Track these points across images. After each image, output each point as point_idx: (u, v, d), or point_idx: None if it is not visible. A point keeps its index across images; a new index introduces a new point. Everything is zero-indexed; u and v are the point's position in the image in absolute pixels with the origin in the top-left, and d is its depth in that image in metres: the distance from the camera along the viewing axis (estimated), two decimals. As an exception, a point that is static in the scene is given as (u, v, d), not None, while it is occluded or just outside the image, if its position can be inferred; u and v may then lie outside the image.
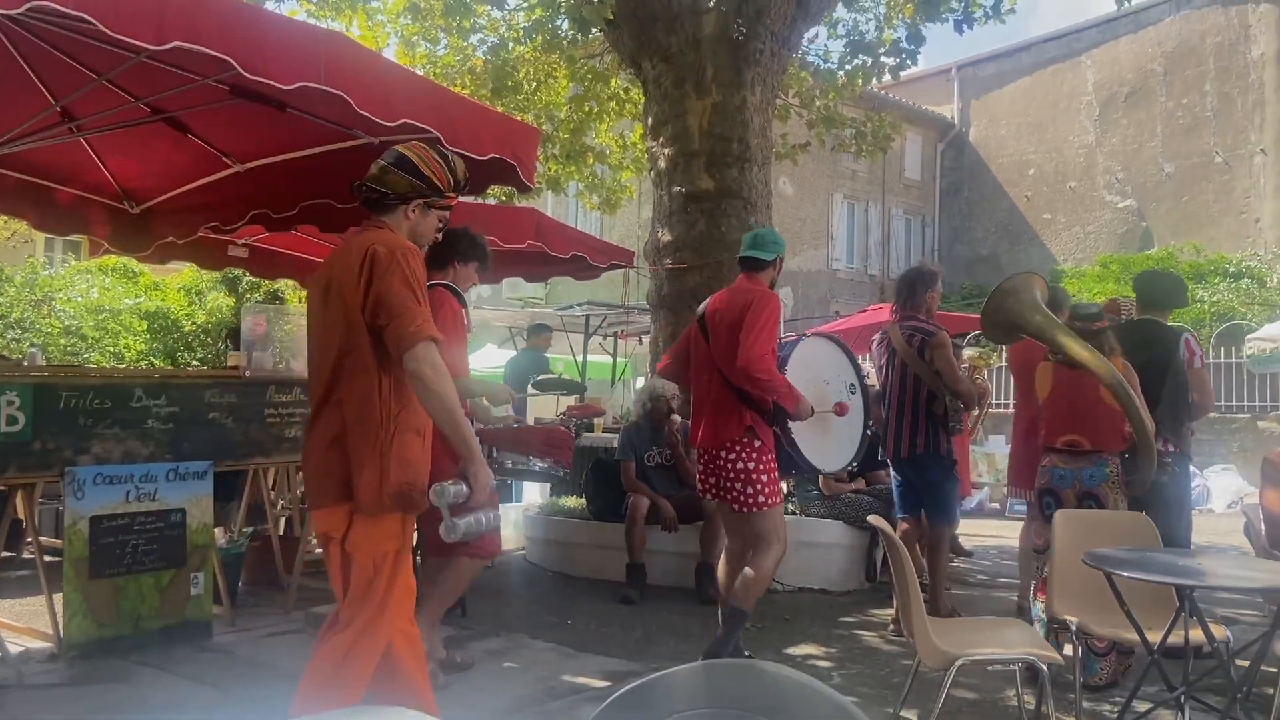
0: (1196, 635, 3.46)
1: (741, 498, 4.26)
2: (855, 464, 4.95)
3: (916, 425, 5.19)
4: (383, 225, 2.81)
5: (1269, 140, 19.09)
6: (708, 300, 4.58)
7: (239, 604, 5.48)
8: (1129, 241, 20.84)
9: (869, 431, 4.88)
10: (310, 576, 5.71)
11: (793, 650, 4.91)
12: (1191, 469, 5.27)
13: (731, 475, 4.25)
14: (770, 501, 4.26)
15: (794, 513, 6.96)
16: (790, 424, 4.30)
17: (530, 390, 7.98)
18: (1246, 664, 3.88)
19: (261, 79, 3.38)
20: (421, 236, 2.89)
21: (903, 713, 3.75)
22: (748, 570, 4.29)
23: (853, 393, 4.72)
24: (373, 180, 2.83)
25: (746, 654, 4.51)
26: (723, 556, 4.66)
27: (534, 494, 7.87)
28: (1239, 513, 5.35)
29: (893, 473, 5.54)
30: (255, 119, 4.65)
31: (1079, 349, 4.48)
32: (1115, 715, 3.73)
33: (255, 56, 3.32)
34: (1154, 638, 3.45)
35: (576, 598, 6.12)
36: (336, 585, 2.78)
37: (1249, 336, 13.41)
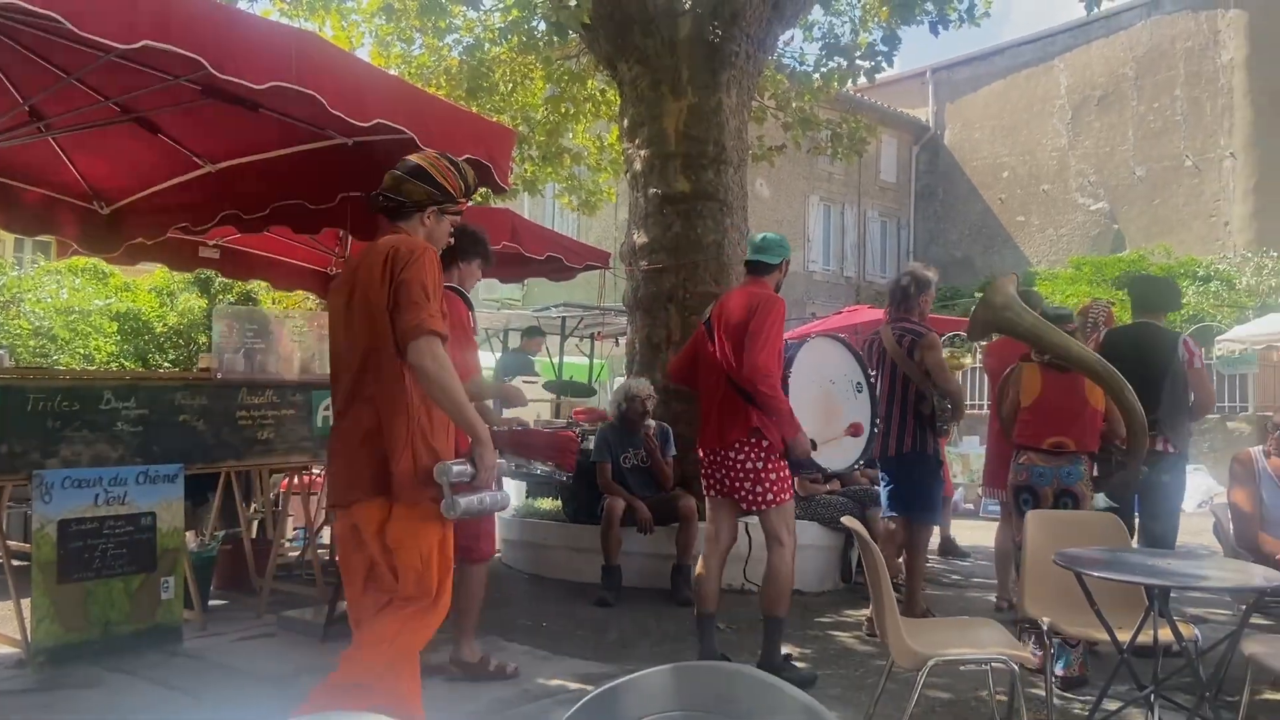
0: (1166, 635, 3.50)
1: (751, 496, 4.31)
2: (862, 462, 4.99)
3: (905, 425, 5.25)
4: (403, 233, 2.92)
5: (1238, 144, 19.35)
6: (715, 303, 4.62)
7: (210, 608, 5.43)
8: (1101, 244, 21.05)
9: (876, 430, 4.93)
10: (282, 580, 5.66)
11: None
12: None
13: (740, 474, 4.30)
14: (779, 499, 4.31)
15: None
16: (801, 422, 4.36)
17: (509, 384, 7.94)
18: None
19: (233, 78, 3.35)
20: (437, 241, 2.99)
21: (876, 713, 3.77)
22: (767, 577, 4.37)
23: (859, 391, 4.79)
24: (389, 189, 2.94)
25: (792, 659, 4.54)
26: (700, 558, 4.66)
27: (510, 497, 7.84)
28: (1208, 512, 5.43)
29: (881, 473, 5.58)
30: (227, 119, 4.61)
31: (1077, 350, 4.60)
32: (1086, 714, 3.76)
33: (226, 56, 3.29)
34: (1124, 637, 3.49)
35: (552, 600, 6.11)
36: (355, 579, 2.87)
37: (1218, 338, 13.59)
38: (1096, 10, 8.16)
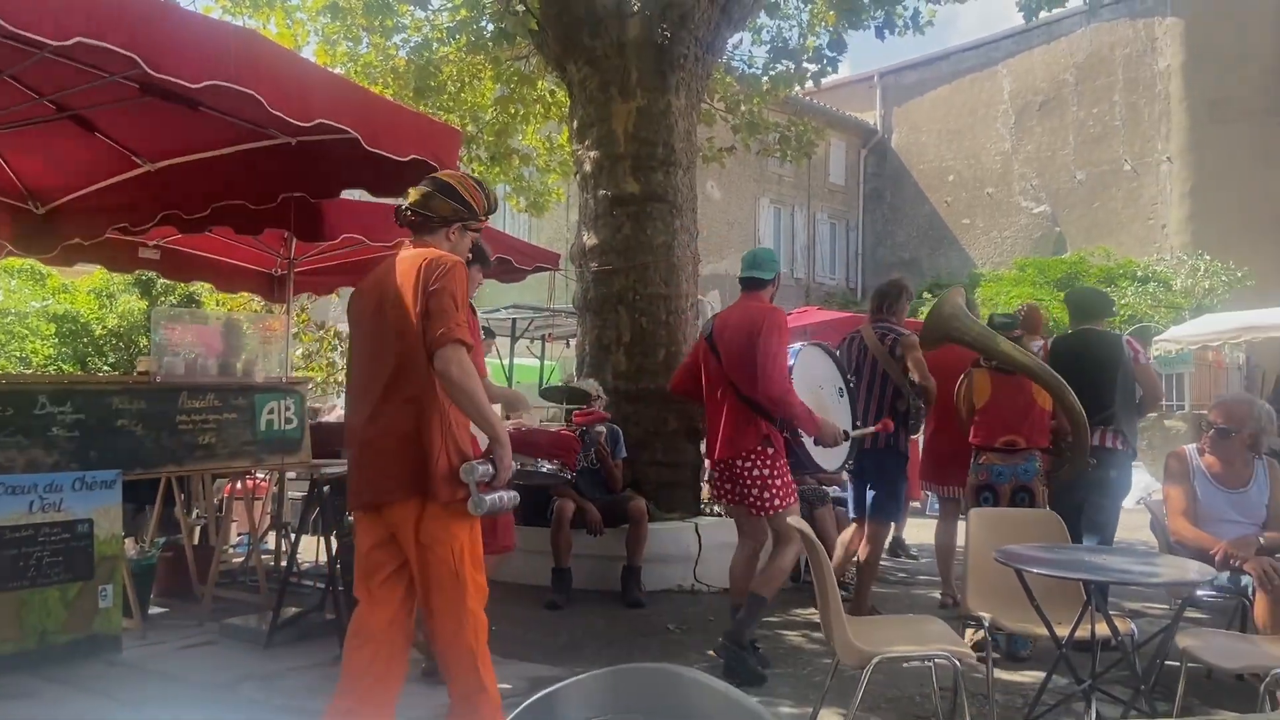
0: (1104, 629, 3.58)
1: (759, 503, 4.53)
2: (850, 462, 5.19)
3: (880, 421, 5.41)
4: (426, 245, 3.07)
5: (1175, 149, 19.84)
6: (713, 318, 4.83)
7: (151, 617, 5.33)
8: (1043, 246, 21.45)
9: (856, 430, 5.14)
10: (225, 587, 5.57)
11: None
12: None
13: (749, 482, 4.52)
14: (785, 503, 4.53)
15: (718, 514, 7.02)
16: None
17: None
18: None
19: (169, 76, 3.29)
20: (459, 255, 3.12)
21: (823, 711, 3.81)
22: (770, 563, 4.60)
23: (841, 396, 5.04)
24: (418, 205, 3.10)
25: (758, 646, 4.68)
26: (735, 557, 4.83)
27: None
28: (1144, 509, 5.57)
29: (850, 471, 5.70)
30: (166, 117, 4.53)
31: (1019, 354, 4.93)
32: (1026, 708, 3.83)
33: (162, 53, 3.23)
34: (1063, 632, 3.56)
35: (501, 603, 6.04)
36: (373, 578, 2.98)
37: (1156, 338, 13.91)
38: (1035, 20, 8.34)
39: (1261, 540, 4.09)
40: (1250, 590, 3.94)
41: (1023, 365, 4.94)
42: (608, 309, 7.29)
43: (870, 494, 5.48)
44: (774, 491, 4.50)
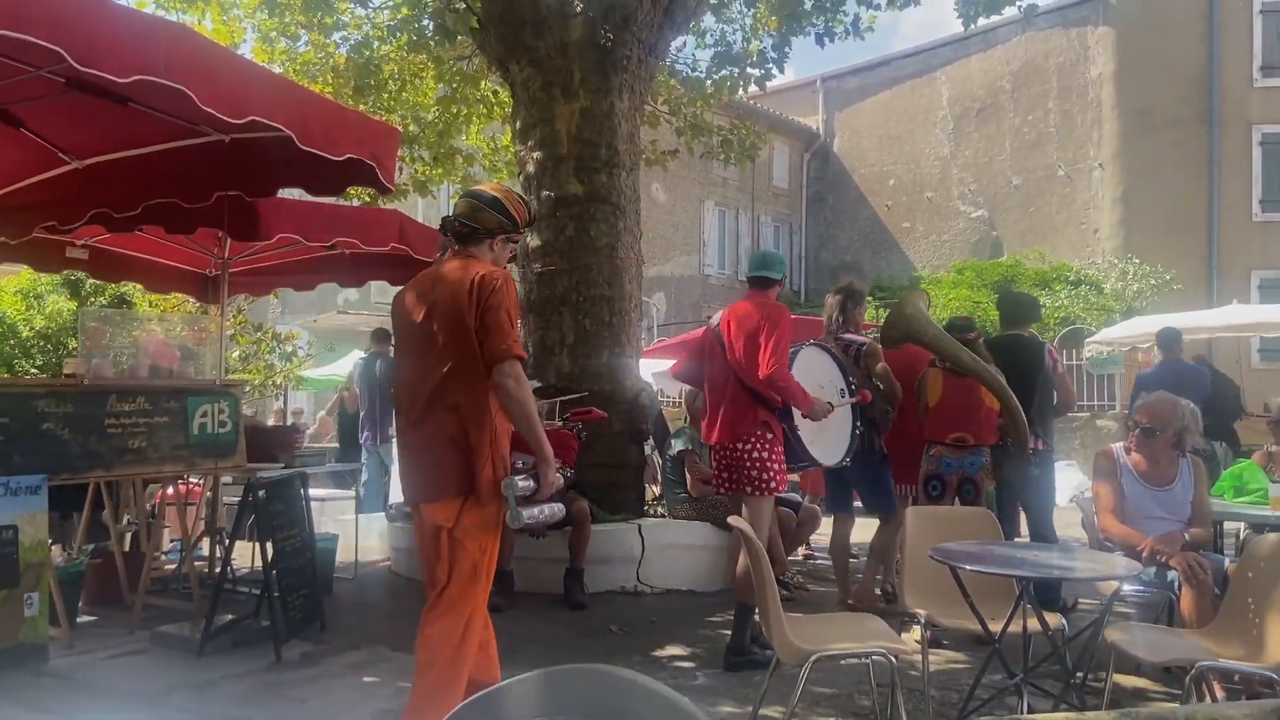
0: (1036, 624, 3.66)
1: (757, 482, 4.70)
2: (848, 460, 5.34)
3: None
4: (473, 255, 3.27)
5: (1106, 155, 20.36)
6: (721, 312, 5.07)
7: (79, 625, 5.19)
8: (981, 250, 21.88)
9: (859, 431, 5.35)
10: (157, 595, 5.44)
11: (658, 653, 4.96)
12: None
13: (748, 464, 4.71)
14: (778, 487, 4.76)
15: (662, 515, 7.04)
16: (796, 423, 4.82)
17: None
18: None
19: (95, 71, 3.20)
20: (499, 264, 3.35)
21: (763, 710, 3.83)
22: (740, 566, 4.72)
23: (843, 396, 5.23)
24: (465, 216, 3.29)
25: (756, 638, 4.77)
26: (739, 558, 4.85)
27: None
28: (1076, 506, 5.71)
29: (827, 473, 5.96)
30: (94, 113, 4.40)
31: (969, 359, 5.24)
32: (961, 703, 3.89)
33: (89, 48, 3.14)
34: (996, 627, 3.63)
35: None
36: (436, 572, 3.19)
37: (1088, 340, 14.25)
38: (974, 26, 8.50)
39: (1186, 536, 4.21)
40: (1176, 585, 4.06)
41: (970, 369, 5.24)
42: (551, 310, 7.27)
43: (863, 500, 5.94)
44: (771, 473, 4.70)
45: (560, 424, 6.42)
